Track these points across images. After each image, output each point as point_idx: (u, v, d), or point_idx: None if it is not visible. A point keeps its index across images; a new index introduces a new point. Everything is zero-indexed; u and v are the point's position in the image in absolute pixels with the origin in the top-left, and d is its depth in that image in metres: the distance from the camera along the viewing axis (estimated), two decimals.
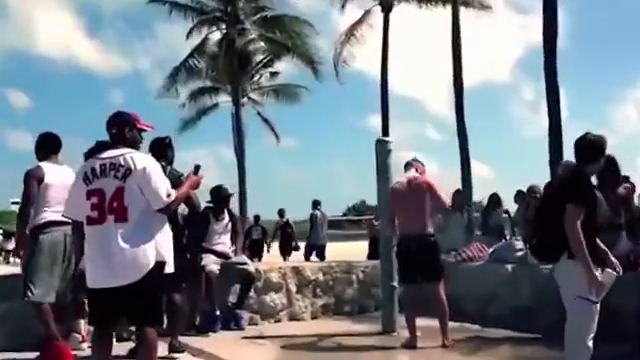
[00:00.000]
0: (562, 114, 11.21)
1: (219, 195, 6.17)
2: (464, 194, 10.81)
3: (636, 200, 6.22)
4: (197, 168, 3.72)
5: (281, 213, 14.63)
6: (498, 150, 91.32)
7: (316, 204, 13.16)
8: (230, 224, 6.16)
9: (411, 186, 5.26)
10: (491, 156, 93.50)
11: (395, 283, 5.59)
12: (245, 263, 6.16)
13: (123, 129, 3.41)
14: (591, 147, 3.54)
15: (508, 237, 8.56)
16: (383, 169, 5.71)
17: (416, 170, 5.39)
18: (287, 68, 24.07)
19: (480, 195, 15.40)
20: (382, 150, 5.74)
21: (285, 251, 14.39)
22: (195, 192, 4.61)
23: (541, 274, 5.55)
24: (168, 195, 3.27)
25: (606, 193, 4.46)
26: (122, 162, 3.25)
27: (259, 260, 12.09)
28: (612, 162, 4.85)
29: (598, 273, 3.36)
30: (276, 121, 24.96)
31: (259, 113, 24.81)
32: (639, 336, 4.76)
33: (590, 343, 3.42)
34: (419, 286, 5.27)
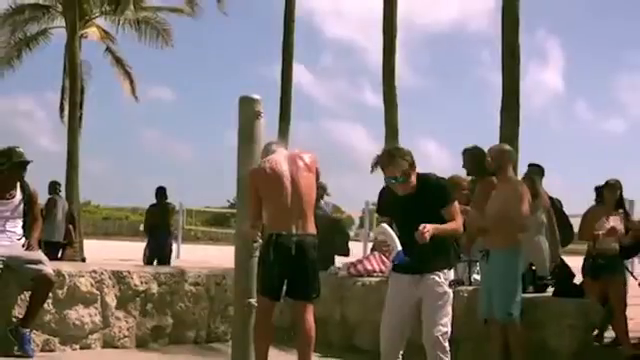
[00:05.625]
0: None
1: (10, 160, 6.09)
2: None
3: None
4: None
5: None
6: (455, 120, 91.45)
7: (55, 186, 13.01)
8: (22, 205, 6.15)
9: (296, 165, 5.37)
10: (445, 131, 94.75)
11: (254, 300, 5.53)
12: (39, 261, 6.08)
13: None
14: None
15: None
16: (247, 139, 5.59)
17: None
18: None
19: None
20: (246, 114, 5.60)
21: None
22: None
23: (461, 298, 5.80)
24: None
25: None
26: None
27: None
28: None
29: None
30: (139, 64, 24.10)
31: (109, 49, 24.10)
32: None
33: None
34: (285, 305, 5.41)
